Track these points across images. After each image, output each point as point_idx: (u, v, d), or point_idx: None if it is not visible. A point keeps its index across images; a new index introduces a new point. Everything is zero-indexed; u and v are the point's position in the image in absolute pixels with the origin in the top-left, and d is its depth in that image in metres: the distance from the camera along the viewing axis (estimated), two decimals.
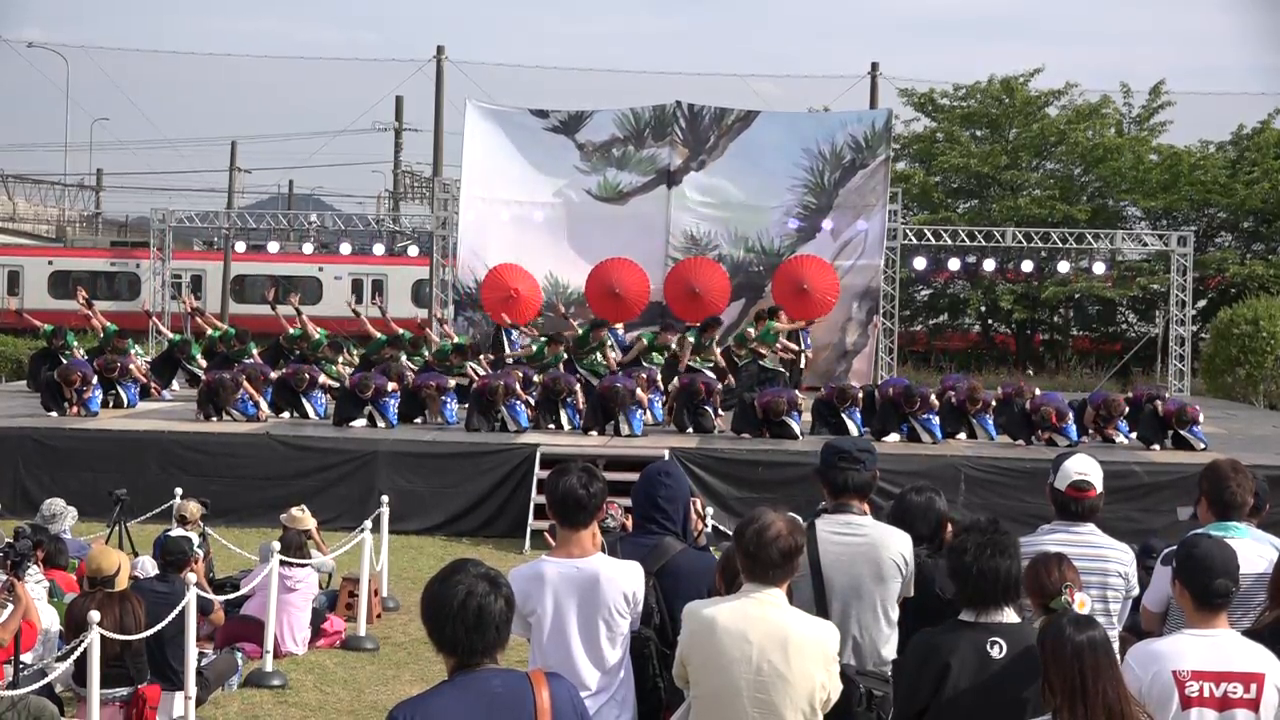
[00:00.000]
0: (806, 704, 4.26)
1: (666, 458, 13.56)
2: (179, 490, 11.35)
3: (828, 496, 5.16)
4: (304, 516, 10.22)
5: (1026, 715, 4.17)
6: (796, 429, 15.28)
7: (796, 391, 16.26)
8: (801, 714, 4.26)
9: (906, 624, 5.04)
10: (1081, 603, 4.47)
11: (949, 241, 25.44)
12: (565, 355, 17.57)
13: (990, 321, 38.19)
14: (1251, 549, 5.13)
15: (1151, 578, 5.36)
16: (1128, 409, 15.72)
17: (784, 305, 19.89)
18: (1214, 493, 5.41)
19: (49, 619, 8.01)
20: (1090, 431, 15.66)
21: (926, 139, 36.78)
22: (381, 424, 15.55)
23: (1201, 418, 15.32)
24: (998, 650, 4.27)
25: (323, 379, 17.00)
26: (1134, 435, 15.57)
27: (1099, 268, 26.65)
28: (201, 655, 8.41)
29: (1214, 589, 4.28)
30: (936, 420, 15.38)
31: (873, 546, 5.00)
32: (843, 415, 15.53)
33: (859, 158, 22.19)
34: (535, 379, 16.56)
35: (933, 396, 15.49)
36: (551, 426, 15.58)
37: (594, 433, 15.08)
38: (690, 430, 15.45)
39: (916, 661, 4.42)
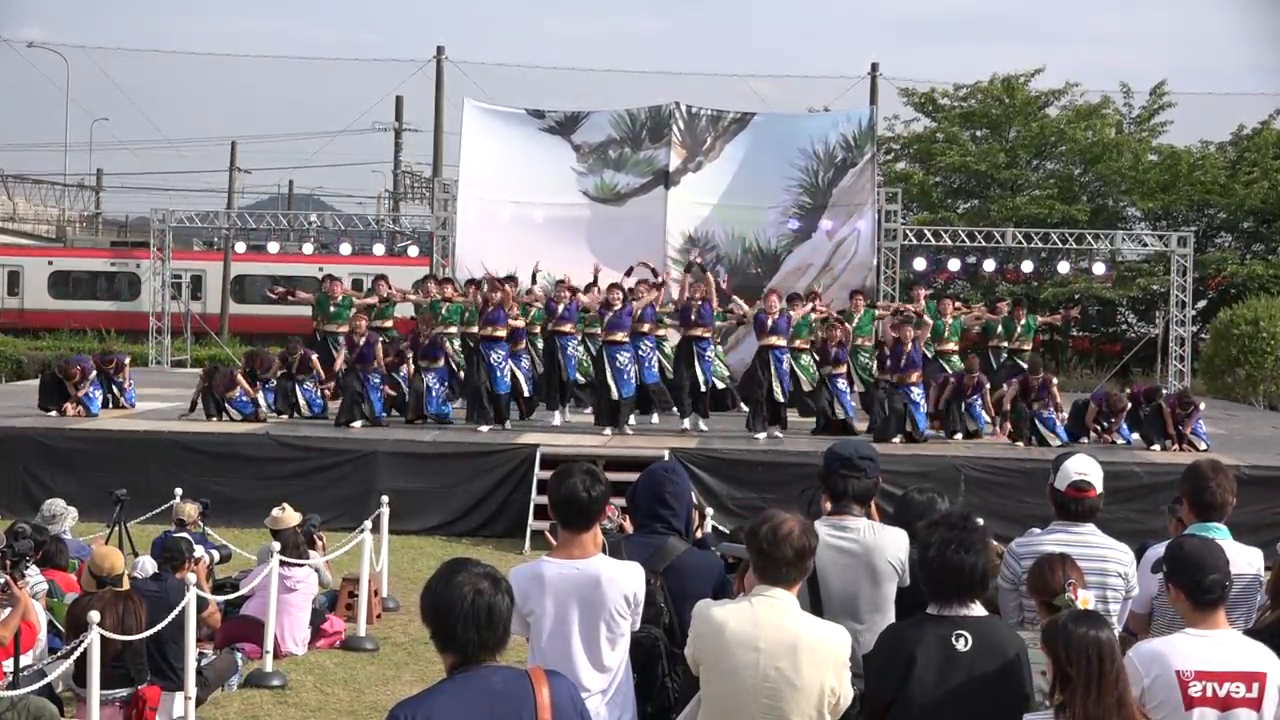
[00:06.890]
0: (814, 710, 4.24)
1: (667, 458, 13.62)
2: (179, 490, 11.36)
3: (829, 501, 5.19)
4: (285, 515, 10.03)
5: (991, 707, 4.18)
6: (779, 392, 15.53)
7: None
8: None
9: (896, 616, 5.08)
10: (1085, 600, 4.47)
11: (949, 242, 25.43)
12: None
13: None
14: (1239, 554, 5.15)
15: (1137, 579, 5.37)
16: (1129, 405, 15.73)
17: None
18: (1194, 494, 5.42)
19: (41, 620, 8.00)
20: (1091, 434, 15.67)
21: (926, 139, 36.72)
22: (364, 406, 15.61)
23: (1203, 406, 15.49)
24: (963, 643, 4.28)
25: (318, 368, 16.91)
26: (1135, 436, 15.60)
27: (1099, 268, 26.62)
28: (201, 655, 8.41)
29: (1206, 585, 4.28)
30: (922, 410, 15.50)
31: (868, 550, 5.02)
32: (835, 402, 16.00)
33: (849, 157, 22.22)
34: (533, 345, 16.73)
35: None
36: (555, 421, 15.80)
37: (609, 430, 15.20)
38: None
39: (883, 654, 4.44)
